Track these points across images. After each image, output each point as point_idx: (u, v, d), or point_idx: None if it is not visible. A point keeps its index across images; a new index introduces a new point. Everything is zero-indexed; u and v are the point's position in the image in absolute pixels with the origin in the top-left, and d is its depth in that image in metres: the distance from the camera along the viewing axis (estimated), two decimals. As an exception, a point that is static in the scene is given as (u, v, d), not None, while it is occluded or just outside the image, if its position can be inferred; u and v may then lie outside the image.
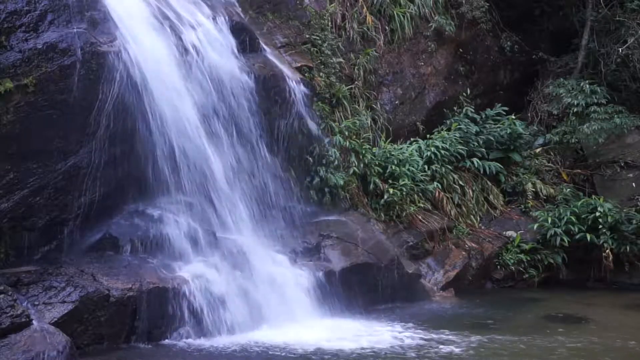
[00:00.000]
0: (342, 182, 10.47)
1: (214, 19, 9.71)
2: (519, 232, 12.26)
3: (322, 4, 12.18)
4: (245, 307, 7.90)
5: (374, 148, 11.67)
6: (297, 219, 9.70)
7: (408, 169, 11.44)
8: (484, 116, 13.54)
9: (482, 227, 12.40)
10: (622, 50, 13.92)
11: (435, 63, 14.10)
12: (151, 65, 8.15)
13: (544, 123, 14.56)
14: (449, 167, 12.40)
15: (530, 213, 12.71)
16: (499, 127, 13.28)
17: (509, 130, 13.14)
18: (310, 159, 10.42)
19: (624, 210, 12.20)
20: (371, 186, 11.13)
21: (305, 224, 9.81)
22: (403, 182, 11.15)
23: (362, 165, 11.06)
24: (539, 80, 15.31)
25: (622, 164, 13.26)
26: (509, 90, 15.47)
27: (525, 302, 10.65)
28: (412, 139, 12.71)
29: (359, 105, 12.19)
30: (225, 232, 8.55)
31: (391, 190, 11.02)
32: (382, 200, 11.06)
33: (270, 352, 7.08)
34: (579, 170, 13.85)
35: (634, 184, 13.03)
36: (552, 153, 13.98)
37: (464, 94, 14.17)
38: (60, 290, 6.74)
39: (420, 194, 11.71)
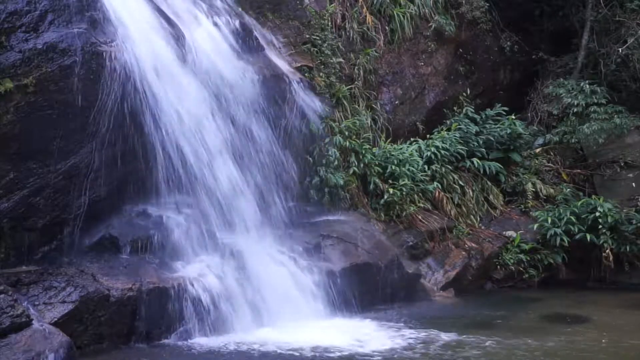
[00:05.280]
0: (342, 182, 10.48)
1: (214, 19, 9.71)
2: (519, 232, 12.25)
3: (322, 4, 12.18)
4: (245, 306, 7.91)
5: (374, 148, 11.67)
6: (297, 219, 9.70)
7: (408, 169, 11.43)
8: (484, 116, 13.53)
9: (482, 227, 12.39)
10: (622, 50, 13.90)
11: (435, 63, 14.10)
12: (151, 65, 8.15)
13: (544, 123, 14.55)
14: (449, 167, 12.40)
15: (530, 213, 12.70)
16: (499, 127, 13.27)
17: (509, 130, 13.13)
18: (310, 159, 10.43)
19: (624, 210, 12.19)
20: (371, 186, 11.13)
21: (305, 224, 9.81)
22: (403, 182, 11.15)
23: (362, 165, 11.07)
24: (539, 80, 15.30)
25: (622, 164, 13.24)
26: (509, 90, 15.45)
27: (525, 302, 10.65)
28: (412, 139, 12.70)
29: (359, 105, 12.19)
30: (225, 232, 8.55)
31: (391, 190, 11.02)
32: (382, 200, 11.06)
33: (270, 352, 7.08)
34: (579, 170, 13.84)
35: (634, 184, 13.02)
36: (552, 153, 13.97)
37: (464, 94, 14.17)
38: (61, 290, 6.75)
39: (420, 194, 11.71)
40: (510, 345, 7.64)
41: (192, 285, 7.63)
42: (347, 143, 10.88)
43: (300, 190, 10.11)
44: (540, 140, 14.08)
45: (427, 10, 13.78)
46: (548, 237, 12.00)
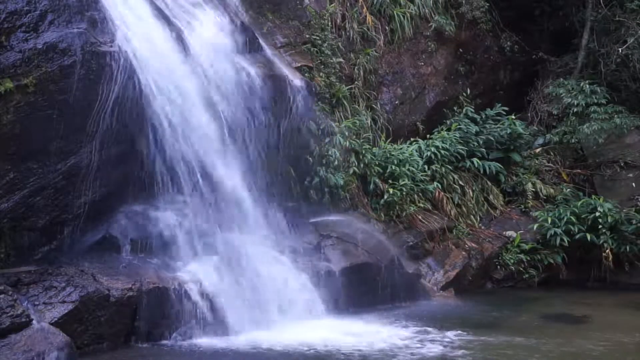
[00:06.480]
0: (342, 182, 10.48)
1: (214, 19, 9.71)
2: (519, 232, 12.26)
3: (322, 4, 12.18)
4: (245, 306, 7.90)
5: (374, 148, 11.67)
6: (297, 219, 9.69)
7: (408, 169, 11.44)
8: (484, 116, 13.55)
9: (482, 227, 12.40)
10: (622, 50, 13.91)
11: (435, 63, 14.11)
12: (151, 65, 8.14)
13: (544, 123, 14.57)
14: (449, 167, 12.41)
15: (530, 213, 12.72)
16: (499, 127, 13.29)
17: (509, 130, 13.15)
18: (310, 159, 10.43)
19: (624, 210, 12.21)
20: (371, 186, 11.13)
21: (306, 224, 9.82)
22: (403, 182, 11.15)
23: (362, 165, 11.07)
24: (539, 80, 15.32)
25: (622, 164, 13.26)
26: (509, 90, 15.47)
27: (525, 302, 10.65)
28: (412, 139, 12.71)
29: (359, 105, 12.19)
30: (225, 232, 8.55)
31: (391, 190, 11.02)
32: (382, 200, 11.06)
33: (270, 352, 7.08)
34: (579, 170, 13.85)
35: (633, 184, 13.03)
36: (552, 153, 13.98)
37: (464, 94, 14.18)
38: (61, 290, 6.74)
39: (420, 194, 11.72)
40: (511, 344, 7.64)
41: (192, 285, 7.63)
42: (347, 143, 10.88)
43: (300, 190, 10.11)
44: (540, 140, 14.09)
45: (427, 10, 13.78)
46: (548, 237, 12.01)
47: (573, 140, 13.58)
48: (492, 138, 13.09)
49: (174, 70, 8.52)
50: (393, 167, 11.33)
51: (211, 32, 9.48)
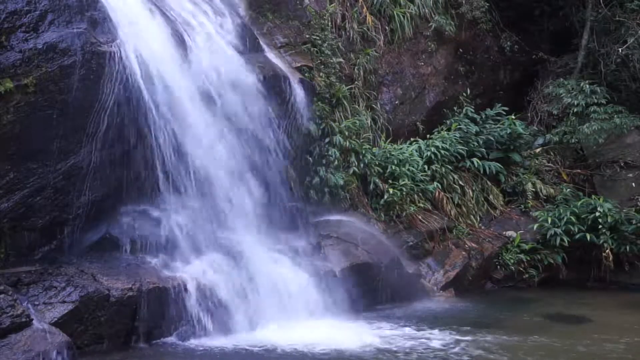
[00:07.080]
0: (342, 182, 10.48)
1: (215, 18, 9.71)
2: (519, 232, 12.26)
3: (322, 4, 12.18)
4: (245, 307, 7.91)
5: (374, 148, 11.67)
6: (297, 219, 9.68)
7: (408, 169, 11.44)
8: (484, 116, 13.55)
9: (482, 227, 12.40)
10: (622, 50, 13.91)
11: (435, 63, 14.11)
12: (151, 65, 8.14)
13: (544, 123, 14.57)
14: (449, 167, 12.41)
15: (530, 213, 12.71)
16: (499, 127, 13.29)
17: (509, 130, 13.15)
18: (310, 159, 10.44)
19: (624, 210, 12.21)
20: (371, 186, 11.13)
21: (305, 224, 9.80)
22: (403, 182, 11.16)
23: (362, 165, 11.07)
24: (539, 80, 15.32)
25: (622, 164, 13.26)
26: (509, 90, 15.48)
27: (525, 302, 10.66)
28: (412, 139, 12.72)
29: (359, 105, 12.19)
30: (225, 232, 8.54)
31: (391, 190, 11.02)
32: (382, 200, 11.06)
33: (269, 352, 7.09)
34: (579, 170, 13.85)
35: (633, 184, 13.03)
36: (552, 153, 13.98)
37: (464, 94, 14.18)
38: (61, 290, 6.74)
39: (420, 194, 11.72)
40: (511, 345, 7.64)
41: (192, 285, 7.62)
42: (347, 143, 10.88)
43: (300, 190, 10.11)
44: (540, 140, 14.09)
45: (427, 10, 13.79)
46: (548, 237, 12.01)
47: (573, 140, 13.57)
48: (492, 138, 13.09)
49: (174, 70, 8.51)
50: (393, 167, 11.33)
51: (211, 32, 9.48)
